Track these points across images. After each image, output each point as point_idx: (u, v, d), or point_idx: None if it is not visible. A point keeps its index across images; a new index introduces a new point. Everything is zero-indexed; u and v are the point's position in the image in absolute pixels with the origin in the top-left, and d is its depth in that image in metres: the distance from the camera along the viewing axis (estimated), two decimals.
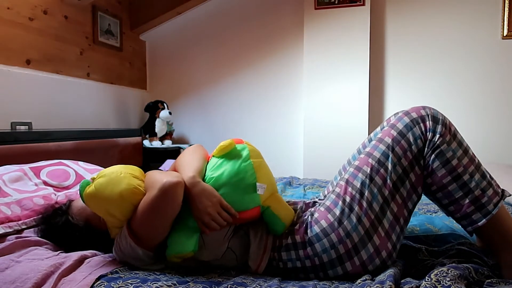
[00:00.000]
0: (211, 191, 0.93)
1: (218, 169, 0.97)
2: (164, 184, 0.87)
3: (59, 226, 1.07)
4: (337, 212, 0.93)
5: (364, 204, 0.91)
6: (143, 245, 0.92)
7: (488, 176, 0.93)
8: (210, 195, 0.92)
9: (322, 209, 0.97)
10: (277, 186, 1.08)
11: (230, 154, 0.98)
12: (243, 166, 0.96)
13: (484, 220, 0.88)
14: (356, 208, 0.91)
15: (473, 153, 0.94)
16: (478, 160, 0.94)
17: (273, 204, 0.98)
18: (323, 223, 0.93)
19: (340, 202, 0.94)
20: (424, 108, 0.96)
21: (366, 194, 0.92)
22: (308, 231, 0.94)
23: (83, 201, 0.97)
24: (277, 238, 0.97)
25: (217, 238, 0.97)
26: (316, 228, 0.93)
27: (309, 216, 0.98)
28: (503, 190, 0.93)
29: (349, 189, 0.94)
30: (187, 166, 0.98)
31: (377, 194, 0.92)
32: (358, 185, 0.93)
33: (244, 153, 0.98)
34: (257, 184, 0.95)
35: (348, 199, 0.93)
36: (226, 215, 0.92)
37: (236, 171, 0.95)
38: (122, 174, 0.96)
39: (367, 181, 0.93)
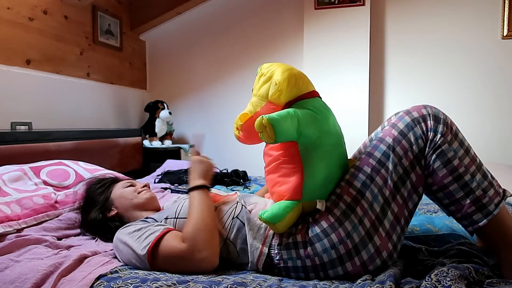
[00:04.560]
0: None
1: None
2: (203, 258, 0.91)
3: (101, 189, 1.23)
4: (338, 212, 0.92)
5: (365, 204, 0.91)
6: (153, 263, 0.93)
7: (489, 176, 0.92)
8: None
9: None
10: None
11: None
12: None
13: (485, 220, 0.88)
14: (357, 208, 0.91)
15: (474, 153, 0.94)
16: (480, 160, 0.94)
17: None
18: (324, 224, 0.92)
19: (341, 203, 0.93)
20: (425, 107, 0.95)
21: (366, 194, 0.91)
22: (309, 231, 0.93)
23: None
24: (278, 236, 0.96)
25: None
26: (317, 229, 0.93)
27: (310, 217, 0.97)
28: (504, 190, 0.92)
29: (350, 189, 0.93)
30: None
31: (378, 194, 0.91)
32: (359, 185, 0.93)
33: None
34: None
35: (348, 199, 0.92)
36: None
37: None
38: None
39: (368, 181, 0.92)
